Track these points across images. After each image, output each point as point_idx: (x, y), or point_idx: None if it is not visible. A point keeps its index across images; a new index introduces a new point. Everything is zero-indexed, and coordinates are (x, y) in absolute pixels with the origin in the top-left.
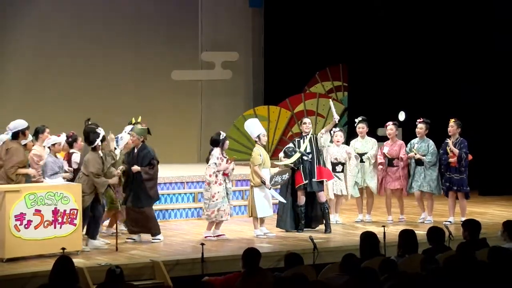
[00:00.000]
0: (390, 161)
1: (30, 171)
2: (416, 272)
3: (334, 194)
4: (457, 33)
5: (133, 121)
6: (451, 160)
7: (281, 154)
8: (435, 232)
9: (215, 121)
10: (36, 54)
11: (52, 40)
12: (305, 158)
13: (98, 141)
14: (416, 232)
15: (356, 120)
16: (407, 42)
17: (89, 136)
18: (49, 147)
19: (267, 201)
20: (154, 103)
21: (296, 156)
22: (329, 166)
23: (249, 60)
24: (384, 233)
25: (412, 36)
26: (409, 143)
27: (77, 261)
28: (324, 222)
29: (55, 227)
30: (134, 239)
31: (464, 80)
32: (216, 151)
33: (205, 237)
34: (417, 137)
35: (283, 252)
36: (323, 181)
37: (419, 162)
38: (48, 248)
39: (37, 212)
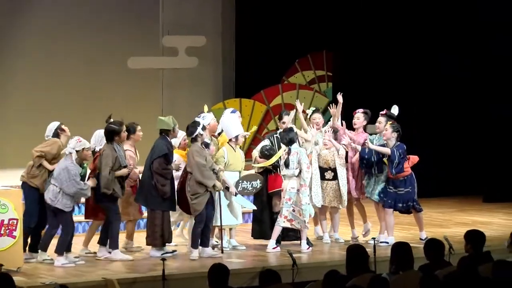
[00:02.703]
0: (346, 157)
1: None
2: None
3: (324, 206)
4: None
5: (206, 110)
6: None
7: (255, 153)
8: (434, 245)
9: (178, 116)
10: None
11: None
12: None
13: (199, 131)
14: (412, 245)
15: (309, 111)
16: (399, 25)
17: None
18: (77, 151)
19: (231, 209)
20: (107, 94)
21: (277, 156)
22: (317, 171)
23: (218, 46)
24: (375, 246)
25: (405, 19)
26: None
27: (17, 279)
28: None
29: None
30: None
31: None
32: (295, 146)
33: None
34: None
35: (257, 269)
36: None
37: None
38: None
39: None
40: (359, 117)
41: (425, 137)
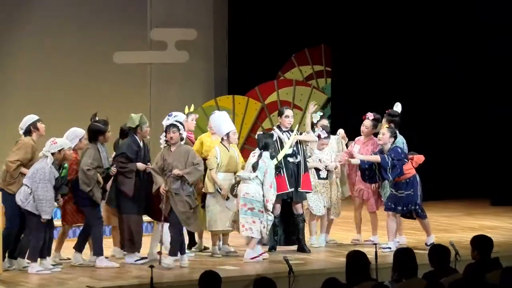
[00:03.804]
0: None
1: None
2: None
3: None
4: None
5: (187, 111)
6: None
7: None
8: (439, 251)
9: (167, 113)
10: None
11: None
12: (290, 160)
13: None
14: (415, 251)
15: (316, 115)
16: (399, 24)
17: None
18: (52, 153)
19: (223, 213)
20: (94, 91)
21: (280, 156)
22: (315, 181)
23: (209, 39)
24: (376, 252)
25: (405, 18)
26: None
27: None
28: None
29: None
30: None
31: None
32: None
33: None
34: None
35: (251, 276)
36: (308, 192)
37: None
38: None
39: None
40: (368, 126)
41: (425, 138)
